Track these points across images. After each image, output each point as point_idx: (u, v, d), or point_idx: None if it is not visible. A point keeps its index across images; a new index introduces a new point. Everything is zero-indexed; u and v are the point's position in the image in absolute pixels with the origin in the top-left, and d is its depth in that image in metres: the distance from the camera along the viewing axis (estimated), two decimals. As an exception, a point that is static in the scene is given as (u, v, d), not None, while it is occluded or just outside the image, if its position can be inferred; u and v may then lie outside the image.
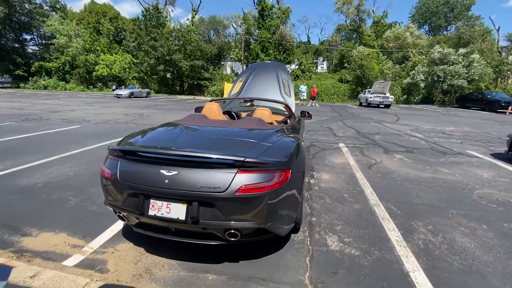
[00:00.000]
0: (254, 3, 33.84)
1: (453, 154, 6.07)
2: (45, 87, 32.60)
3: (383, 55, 29.56)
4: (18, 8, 34.15)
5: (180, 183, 1.83)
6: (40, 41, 38.98)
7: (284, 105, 4.05)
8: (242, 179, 1.82)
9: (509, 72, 27.20)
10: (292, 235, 2.61)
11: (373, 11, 35.07)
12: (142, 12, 30.67)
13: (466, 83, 22.92)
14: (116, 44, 37.02)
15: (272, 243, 2.44)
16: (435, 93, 25.47)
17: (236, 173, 1.83)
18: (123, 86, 28.45)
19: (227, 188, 1.80)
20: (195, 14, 38.20)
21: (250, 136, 2.41)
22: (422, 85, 24.56)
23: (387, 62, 27.74)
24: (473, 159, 5.67)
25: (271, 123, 3.20)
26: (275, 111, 4.69)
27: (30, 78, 33.62)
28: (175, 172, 1.85)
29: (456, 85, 22.99)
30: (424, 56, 26.54)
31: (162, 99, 23.42)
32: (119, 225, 2.72)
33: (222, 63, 40.52)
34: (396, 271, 2.16)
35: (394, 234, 2.69)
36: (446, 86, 23.69)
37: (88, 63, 31.71)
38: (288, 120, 4.13)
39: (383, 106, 20.13)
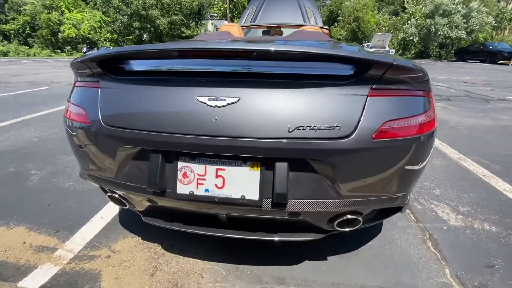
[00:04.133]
0: None
1: (496, 100, 5.30)
2: (5, 54, 28.63)
3: (380, 4, 27.55)
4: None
5: (246, 124, 0.81)
6: (-10, 0, 33.42)
7: (326, 31, 2.93)
8: (382, 108, 0.83)
9: (506, 23, 26.22)
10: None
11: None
12: (108, -42, 26.05)
13: (465, 34, 21.86)
14: (81, 1, 32.33)
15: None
16: (431, 47, 24.38)
17: (367, 95, 0.83)
18: (95, 49, 25.32)
19: (355, 129, 0.81)
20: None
21: (337, 47, 1.36)
22: (416, 39, 23.37)
23: (383, 14, 25.94)
24: (522, 104, 4.91)
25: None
26: None
27: (-17, 44, 29.35)
28: (232, 100, 0.82)
29: (454, 37, 21.93)
30: (420, 6, 24.83)
31: (142, 62, 21.08)
32: (113, 207, 1.74)
33: (203, 22, 36.85)
34: None
35: (520, 197, 1.87)
36: (442, 39, 22.62)
37: (52, 23, 27.72)
38: None
39: (382, 61, 18.99)
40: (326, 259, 1.33)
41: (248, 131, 0.81)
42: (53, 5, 28.42)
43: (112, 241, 1.46)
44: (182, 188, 0.90)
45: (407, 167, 0.90)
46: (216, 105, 0.82)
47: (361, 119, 0.81)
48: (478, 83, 7.99)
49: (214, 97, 0.83)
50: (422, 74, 0.89)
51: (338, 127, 0.80)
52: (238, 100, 0.82)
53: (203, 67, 0.90)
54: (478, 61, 19.29)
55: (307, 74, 0.86)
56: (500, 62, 17.57)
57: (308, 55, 0.79)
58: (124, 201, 1.07)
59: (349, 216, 0.94)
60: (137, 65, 0.99)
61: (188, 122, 0.84)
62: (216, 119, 0.82)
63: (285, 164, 0.83)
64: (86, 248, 1.41)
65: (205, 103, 0.83)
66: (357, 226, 0.98)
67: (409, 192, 1.01)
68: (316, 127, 0.79)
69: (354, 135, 0.80)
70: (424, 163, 0.97)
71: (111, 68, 0.97)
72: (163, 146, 0.87)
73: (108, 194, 1.08)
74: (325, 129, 0.80)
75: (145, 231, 1.53)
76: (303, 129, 0.80)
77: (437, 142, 2.94)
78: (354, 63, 0.84)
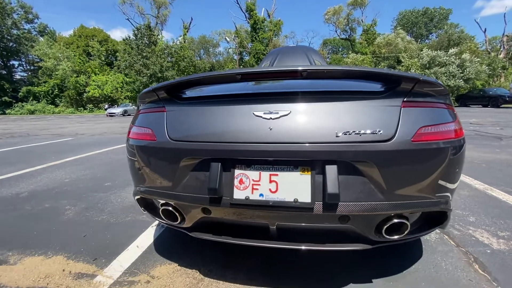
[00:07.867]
0: (245, 17, 34.16)
1: (509, 137, 5.36)
2: (32, 112, 31.24)
3: (377, 60, 29.85)
4: (5, 34, 33.46)
5: (297, 131, 0.94)
6: (28, 66, 38.07)
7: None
8: (416, 116, 0.96)
9: (500, 71, 27.69)
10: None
11: (362, 20, 35.86)
12: (133, 31, 30.17)
13: (463, 82, 23.03)
14: (106, 66, 36.39)
15: (396, 247, 1.54)
16: (432, 95, 25.53)
17: (401, 106, 0.96)
18: (116, 105, 27.49)
19: (395, 133, 0.92)
20: (187, 31, 38.25)
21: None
22: (417, 88, 24.76)
23: (382, 67, 27.86)
24: (537, 141, 4.94)
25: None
26: None
27: (14, 104, 32.26)
28: (284, 113, 0.96)
29: (453, 85, 23.12)
30: (416, 59, 26.81)
31: (158, 115, 22.47)
32: (148, 237, 1.76)
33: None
34: None
35: (561, 222, 1.81)
36: (442, 87, 23.90)
37: (79, 85, 30.80)
38: None
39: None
40: (371, 281, 1.29)
41: (299, 137, 0.93)
42: (82, 70, 31.96)
43: (150, 268, 1.46)
44: (238, 194, 0.98)
45: (445, 169, 0.97)
46: (271, 118, 0.96)
47: (399, 125, 0.93)
48: (486, 124, 8.14)
49: (268, 111, 0.97)
50: (443, 88, 1.03)
51: (380, 132, 0.91)
52: (290, 112, 0.96)
53: (258, 89, 1.07)
54: (481, 106, 19.81)
55: (347, 90, 1.01)
56: (503, 106, 17.99)
57: (350, 72, 0.95)
58: (177, 214, 1.14)
59: (395, 220, 0.97)
60: (198, 91, 1.18)
61: (246, 133, 0.97)
62: (271, 129, 0.95)
63: (334, 167, 0.92)
64: (125, 274, 1.42)
65: (261, 116, 0.97)
66: (405, 233, 1.00)
67: (450, 197, 1.05)
68: (360, 132, 0.91)
69: (395, 138, 0.91)
70: (459, 168, 1.04)
71: (176, 94, 1.16)
72: (223, 154, 0.99)
73: (162, 208, 1.16)
74: (369, 133, 0.91)
75: (181, 258, 1.53)
76: (349, 134, 0.91)
77: (459, 175, 2.95)
78: (387, 80, 1.00)
